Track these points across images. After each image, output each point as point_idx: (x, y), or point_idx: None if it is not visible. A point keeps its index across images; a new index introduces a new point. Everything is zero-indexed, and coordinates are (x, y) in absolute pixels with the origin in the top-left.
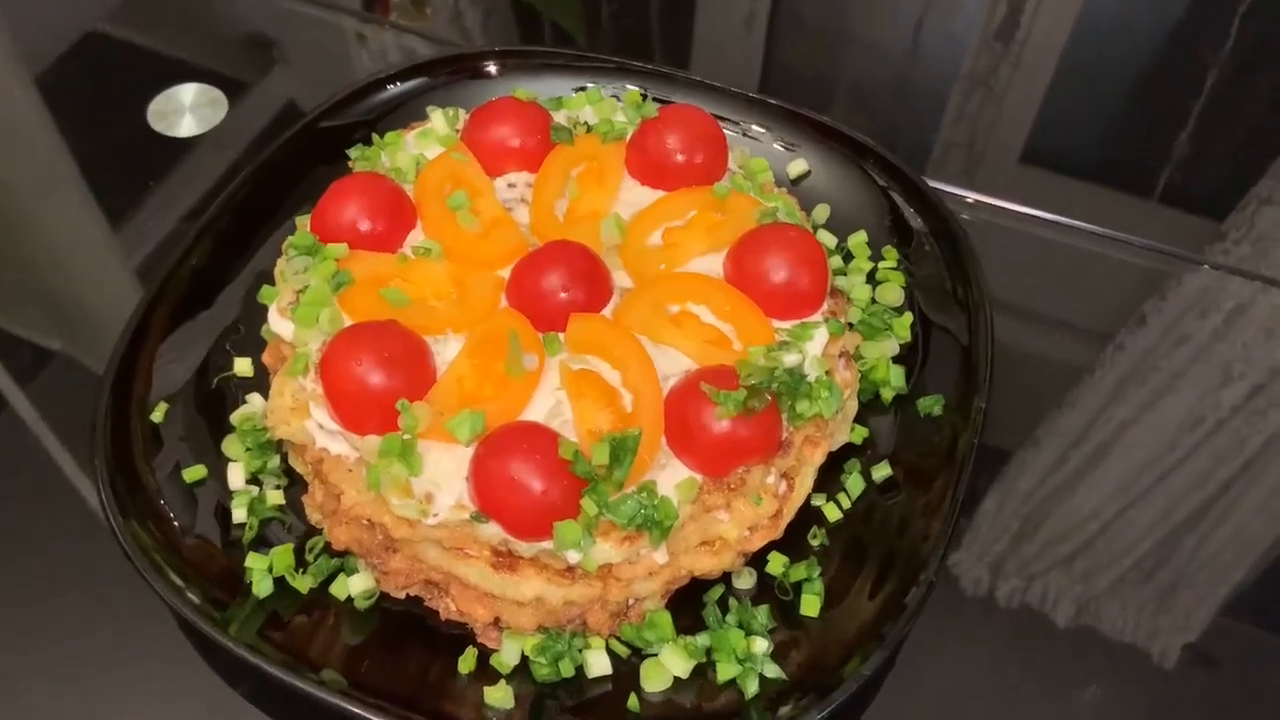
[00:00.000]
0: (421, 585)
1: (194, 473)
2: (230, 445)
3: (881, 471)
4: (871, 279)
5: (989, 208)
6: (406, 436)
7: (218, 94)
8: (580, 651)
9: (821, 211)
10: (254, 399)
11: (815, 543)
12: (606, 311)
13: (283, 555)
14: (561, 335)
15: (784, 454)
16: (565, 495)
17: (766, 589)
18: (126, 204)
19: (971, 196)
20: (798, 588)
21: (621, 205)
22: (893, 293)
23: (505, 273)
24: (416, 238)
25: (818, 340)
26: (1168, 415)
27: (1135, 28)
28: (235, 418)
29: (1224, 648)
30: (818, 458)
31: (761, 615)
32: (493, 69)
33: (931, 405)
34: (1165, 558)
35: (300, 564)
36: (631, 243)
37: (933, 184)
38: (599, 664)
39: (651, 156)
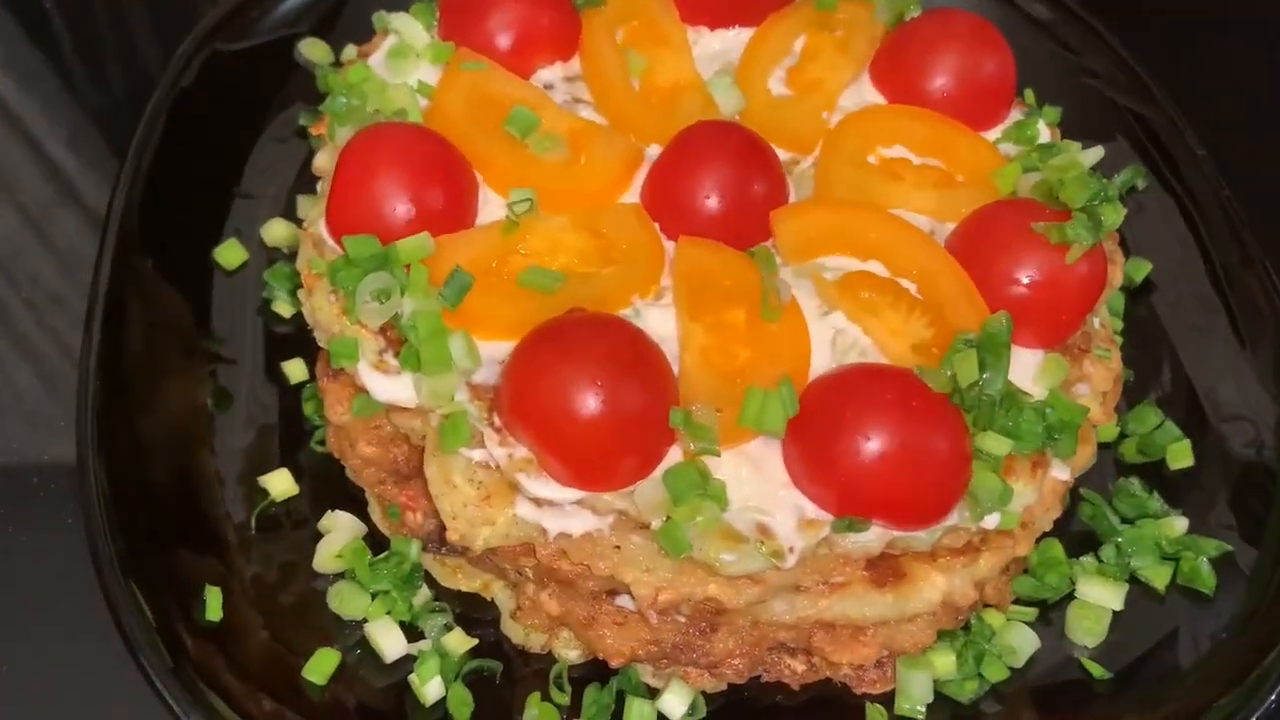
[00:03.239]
0: (763, 655)
1: (323, 664)
2: (347, 601)
3: (1140, 270)
4: None
5: None
6: (699, 459)
7: None
8: (990, 641)
9: None
10: (337, 520)
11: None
12: (791, 199)
13: (547, 716)
14: (769, 244)
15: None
16: (960, 443)
17: (1102, 467)
18: None
19: None
20: (1152, 441)
21: (700, 63)
22: None
23: (630, 195)
24: (486, 198)
25: (1045, 135)
26: None
27: None
28: (326, 559)
29: None
30: (1118, 278)
31: (1142, 492)
32: None
33: (1132, 178)
34: None
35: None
36: (759, 102)
37: None
38: (1026, 642)
39: None
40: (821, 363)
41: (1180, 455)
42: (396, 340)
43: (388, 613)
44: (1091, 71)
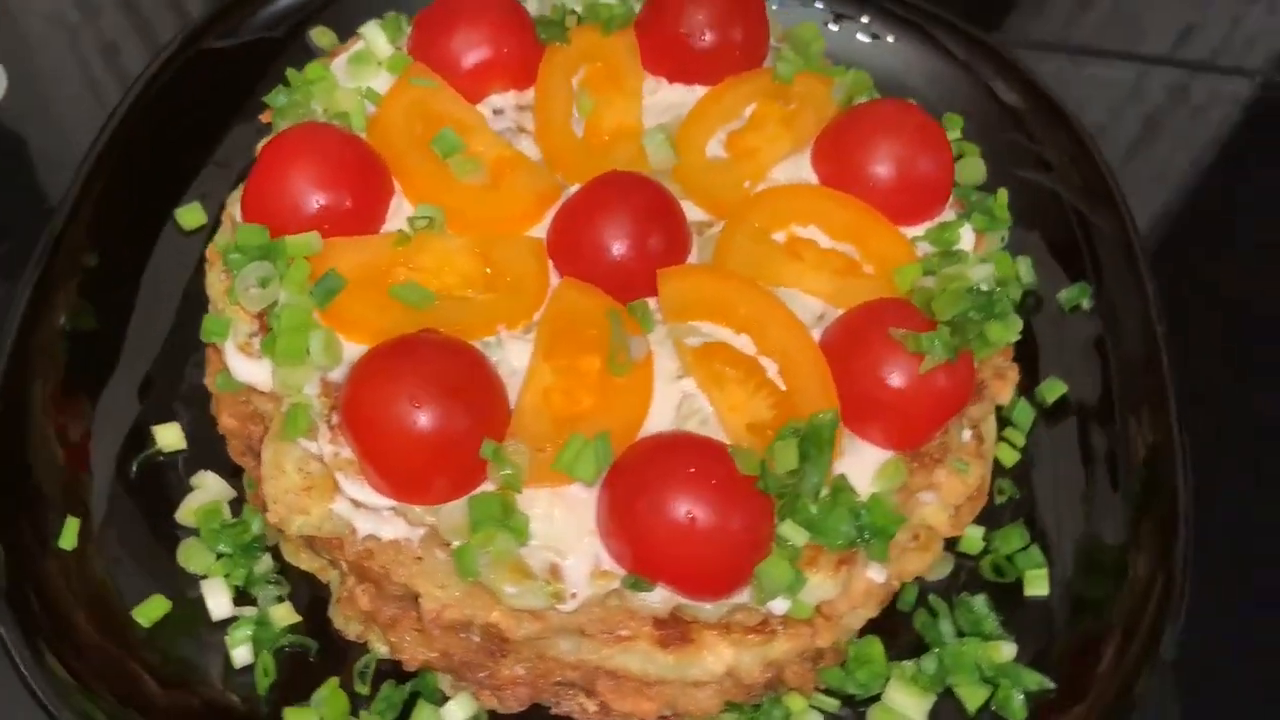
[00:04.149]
0: (549, 688)
1: (152, 609)
2: (193, 556)
3: (1055, 390)
4: None
5: None
6: (503, 491)
7: None
8: None
9: None
10: (205, 480)
11: (1002, 499)
12: (693, 259)
13: (333, 701)
14: (651, 302)
15: (978, 398)
16: (757, 526)
17: (961, 574)
18: None
19: None
20: (1010, 563)
21: (651, 113)
22: (974, 167)
23: (540, 230)
24: (399, 207)
25: (965, 242)
26: None
27: None
28: (187, 514)
29: None
30: (1006, 394)
31: (984, 609)
32: None
33: (1079, 297)
34: None
35: (355, 703)
36: (690, 161)
37: None
38: None
39: (676, 43)
40: (663, 424)
41: (1035, 583)
42: (268, 327)
43: (226, 575)
44: (1045, 163)
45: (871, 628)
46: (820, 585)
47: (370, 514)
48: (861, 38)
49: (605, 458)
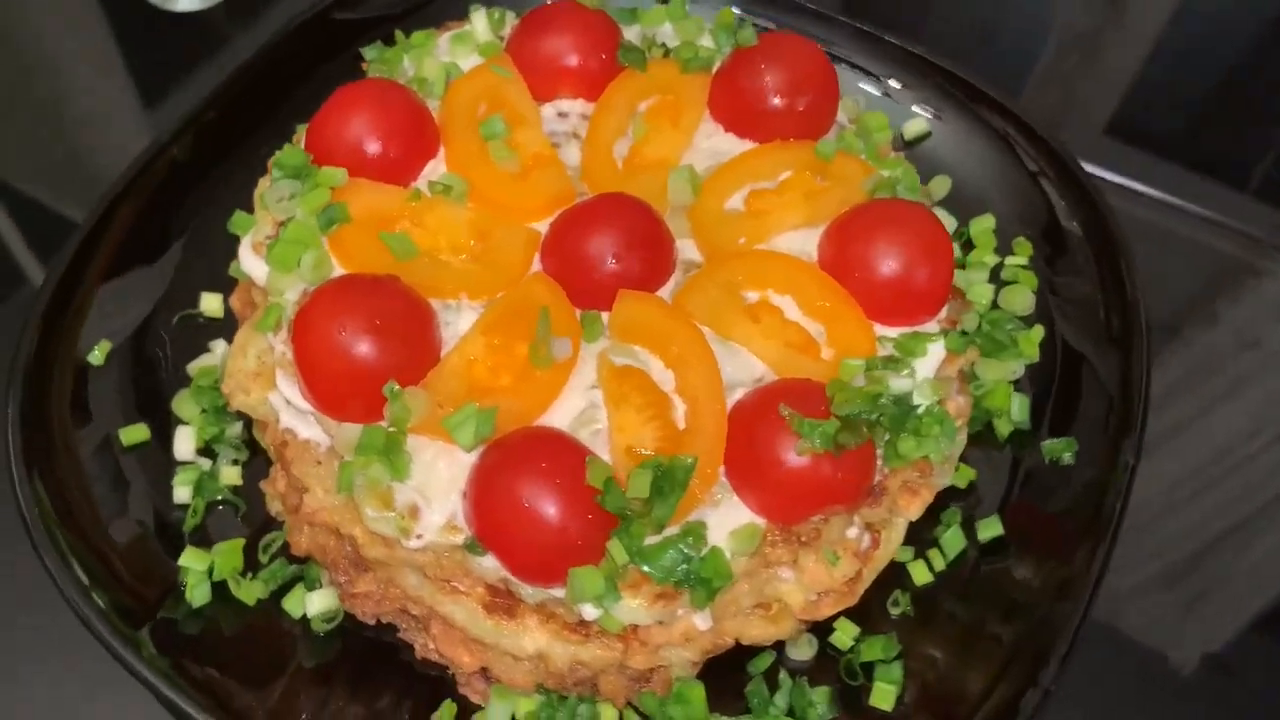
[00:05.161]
0: (396, 613)
1: (132, 433)
2: (182, 403)
3: (990, 530)
4: (995, 278)
5: None
6: (392, 430)
7: None
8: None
9: (940, 185)
10: (219, 347)
11: (896, 611)
12: (665, 292)
13: (228, 554)
14: (605, 315)
15: (873, 503)
16: (588, 532)
17: (828, 663)
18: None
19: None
20: (869, 670)
21: (697, 155)
22: (1022, 298)
23: (542, 226)
24: (436, 170)
25: (931, 358)
26: (1223, 421)
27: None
28: (193, 368)
29: (1246, 658)
30: (914, 510)
31: (820, 701)
32: None
33: (1062, 451)
34: (1197, 565)
35: (250, 566)
36: (706, 205)
37: None
38: None
39: (742, 96)
40: (561, 422)
41: (882, 696)
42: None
43: (200, 428)
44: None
45: (709, 675)
46: (634, 609)
47: (297, 414)
48: (950, 142)
49: (485, 430)
